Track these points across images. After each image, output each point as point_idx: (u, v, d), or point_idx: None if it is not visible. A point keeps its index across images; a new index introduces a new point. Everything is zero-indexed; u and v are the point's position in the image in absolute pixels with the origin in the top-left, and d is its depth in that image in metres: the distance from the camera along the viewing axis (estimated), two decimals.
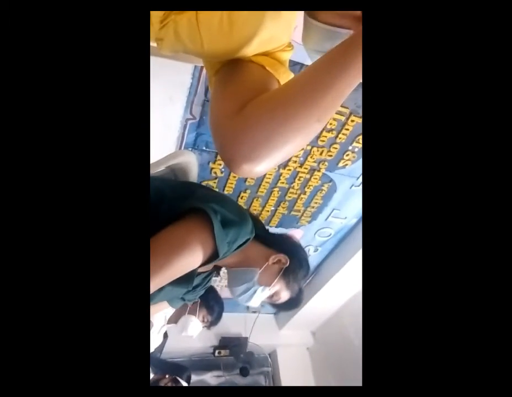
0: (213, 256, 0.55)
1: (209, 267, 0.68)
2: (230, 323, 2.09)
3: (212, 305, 1.35)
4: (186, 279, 0.57)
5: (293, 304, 0.77)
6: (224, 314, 1.50)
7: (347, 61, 0.32)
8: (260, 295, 0.70)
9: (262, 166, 0.33)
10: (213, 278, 0.80)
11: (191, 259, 0.53)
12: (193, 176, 0.75)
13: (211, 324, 1.38)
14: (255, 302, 0.72)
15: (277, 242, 0.75)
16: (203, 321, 1.34)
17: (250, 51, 0.42)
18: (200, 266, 0.56)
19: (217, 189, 1.40)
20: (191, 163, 0.70)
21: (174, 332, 1.35)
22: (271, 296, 0.73)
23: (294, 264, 0.72)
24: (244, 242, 0.59)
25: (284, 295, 0.74)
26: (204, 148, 1.25)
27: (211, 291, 1.36)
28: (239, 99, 0.37)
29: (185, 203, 0.55)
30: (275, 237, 0.77)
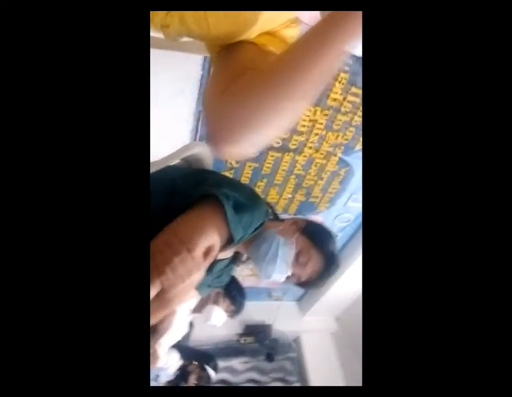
0: (229, 241, 0.55)
1: (228, 253, 0.69)
2: (254, 311, 2.12)
3: (234, 294, 1.37)
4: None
5: (329, 267, 0.70)
6: (247, 303, 1.52)
7: (328, 36, 0.30)
8: (284, 249, 0.66)
9: (242, 148, 0.32)
10: (235, 268, 0.81)
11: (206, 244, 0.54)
12: (208, 166, 0.76)
13: (234, 313, 1.40)
14: (282, 261, 0.66)
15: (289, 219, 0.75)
16: (226, 310, 1.37)
17: (255, 30, 0.41)
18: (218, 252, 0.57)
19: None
20: (205, 154, 0.71)
21: (199, 322, 1.39)
22: (298, 257, 0.68)
23: (312, 225, 0.71)
24: (259, 226, 0.60)
25: (314, 258, 0.68)
26: None
27: (233, 281, 1.39)
28: (228, 79, 0.35)
29: (197, 190, 0.56)
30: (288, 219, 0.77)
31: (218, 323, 1.33)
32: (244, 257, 0.76)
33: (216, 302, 1.34)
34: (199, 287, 0.74)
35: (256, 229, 0.59)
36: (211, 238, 0.52)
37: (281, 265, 0.67)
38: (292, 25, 0.47)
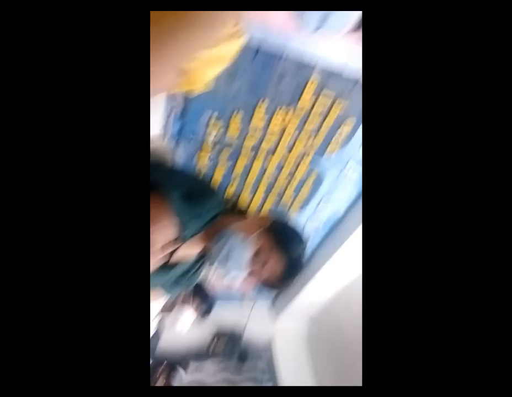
0: (181, 230, 0.55)
1: (194, 251, 0.68)
2: (226, 313, 2.10)
3: (204, 294, 1.36)
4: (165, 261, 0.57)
5: (292, 270, 0.68)
6: (219, 304, 1.50)
7: None
8: (241, 246, 0.62)
9: None
10: (206, 268, 0.78)
11: (153, 238, 0.52)
12: (167, 161, 0.75)
13: (205, 313, 1.38)
14: (238, 259, 0.63)
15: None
16: (196, 310, 1.35)
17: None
18: (177, 246, 0.56)
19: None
20: (164, 148, 0.70)
21: (169, 322, 1.37)
22: (258, 255, 0.64)
23: (279, 224, 0.68)
24: (215, 217, 0.59)
25: (275, 257, 0.65)
26: (191, 135, 1.25)
27: (203, 282, 1.37)
28: None
29: None
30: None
31: (185, 328, 1.31)
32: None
33: (185, 302, 1.32)
34: (165, 285, 0.72)
35: (212, 218, 0.58)
36: (154, 231, 0.51)
37: (234, 263, 0.63)
38: (236, 35, 0.48)
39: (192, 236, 0.58)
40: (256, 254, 0.65)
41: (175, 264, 0.65)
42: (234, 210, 0.73)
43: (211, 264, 0.65)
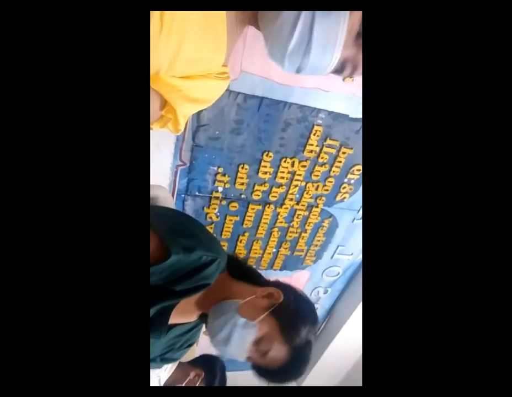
0: (166, 255, 0.49)
1: (189, 314, 0.61)
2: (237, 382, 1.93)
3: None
4: (157, 325, 0.51)
5: (294, 366, 0.58)
6: (231, 374, 1.37)
7: None
8: (242, 333, 0.55)
9: None
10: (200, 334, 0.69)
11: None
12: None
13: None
14: (236, 345, 0.55)
15: (271, 283, 0.63)
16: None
17: (174, 70, 0.42)
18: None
19: (214, 235, 1.37)
20: (162, 197, 0.69)
21: None
22: (259, 343, 0.56)
23: (290, 302, 0.58)
24: (210, 263, 0.53)
25: (278, 348, 0.56)
26: (197, 193, 1.25)
27: (218, 372, 1.24)
28: None
29: None
30: (269, 282, 0.65)
31: None
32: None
33: (189, 384, 1.19)
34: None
35: (206, 264, 0.53)
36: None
37: (234, 348, 0.55)
38: (219, 76, 0.49)
39: (186, 293, 0.51)
40: (258, 341, 0.56)
41: (161, 329, 0.56)
42: (234, 260, 0.67)
43: (209, 338, 0.58)
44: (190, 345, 0.65)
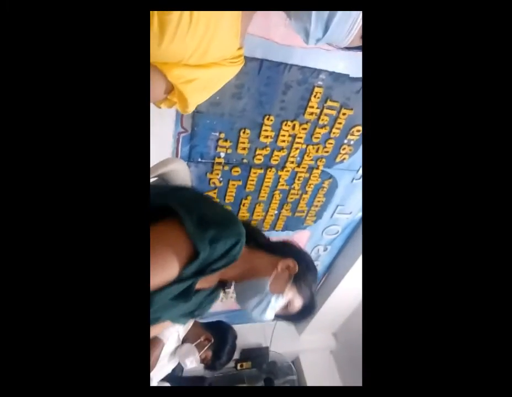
0: (194, 255, 0.53)
1: (212, 281, 0.66)
2: (249, 334, 2.07)
3: (220, 355, 1.30)
4: (183, 294, 0.55)
5: (308, 311, 0.74)
6: (241, 325, 1.46)
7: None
8: (275, 305, 0.67)
9: None
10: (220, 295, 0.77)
11: (167, 271, 0.51)
12: (186, 182, 0.75)
13: (209, 368, 1.34)
14: (269, 314, 0.69)
15: (280, 249, 0.73)
16: (202, 360, 1.29)
17: (191, 59, 0.43)
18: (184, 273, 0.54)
19: (217, 199, 1.40)
20: (181, 170, 0.70)
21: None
22: (286, 307, 0.70)
23: (302, 268, 0.70)
24: (235, 245, 0.57)
25: (298, 303, 0.70)
26: (199, 159, 1.26)
27: (229, 342, 1.33)
28: None
29: (159, 205, 0.54)
30: (278, 245, 0.75)
31: (186, 366, 1.26)
32: (230, 286, 0.74)
33: (198, 346, 1.27)
34: (175, 318, 0.70)
35: (231, 248, 0.56)
36: (170, 269, 0.49)
37: (267, 316, 0.68)
38: (235, 61, 0.49)
39: (214, 268, 0.55)
40: (286, 305, 0.69)
41: (188, 295, 0.62)
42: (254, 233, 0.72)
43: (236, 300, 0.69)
44: (210, 304, 0.72)
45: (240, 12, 0.43)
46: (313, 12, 0.43)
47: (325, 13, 0.42)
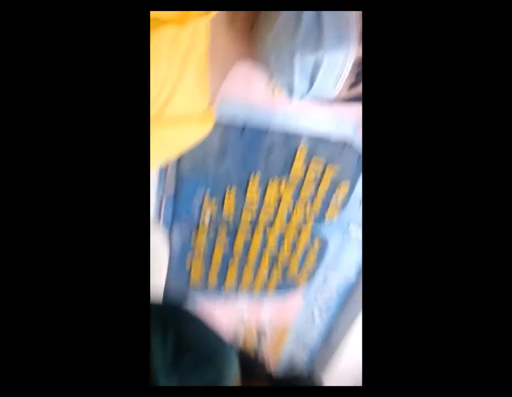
0: None
1: None
2: None
3: None
4: None
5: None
6: None
7: None
8: None
9: None
10: None
11: None
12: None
13: None
14: None
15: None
16: None
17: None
18: None
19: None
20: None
21: None
22: None
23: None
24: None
25: None
26: (183, 221, 1.22)
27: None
28: None
29: None
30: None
31: None
32: None
33: None
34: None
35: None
36: None
37: None
38: (205, 119, 0.47)
39: None
40: None
41: None
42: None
43: None
44: None
45: (206, 65, 0.42)
46: (296, 66, 0.41)
47: (310, 64, 0.40)
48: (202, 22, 0.38)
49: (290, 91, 0.45)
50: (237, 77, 1.01)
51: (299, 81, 0.42)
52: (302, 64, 0.40)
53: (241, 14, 0.42)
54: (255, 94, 1.05)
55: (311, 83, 0.43)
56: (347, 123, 1.18)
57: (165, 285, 1.35)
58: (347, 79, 0.42)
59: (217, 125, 1.07)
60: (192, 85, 0.42)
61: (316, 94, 0.45)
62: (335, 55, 0.39)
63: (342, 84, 0.43)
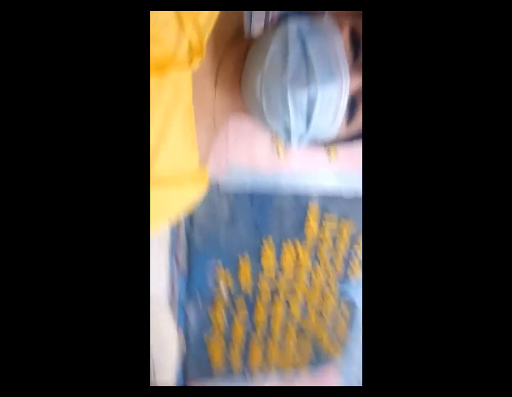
0: None
1: None
2: None
3: None
4: None
5: None
6: None
7: None
8: None
9: None
10: None
11: None
12: None
13: None
14: None
15: None
16: None
17: None
18: None
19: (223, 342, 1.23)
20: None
21: None
22: None
23: None
24: None
25: None
26: (198, 297, 1.16)
27: None
28: None
29: None
30: None
31: None
32: None
33: None
34: None
35: None
36: None
37: None
38: (197, 178, 0.45)
39: None
40: None
41: None
42: None
43: None
44: None
45: (192, 120, 0.41)
46: (290, 104, 0.39)
47: (304, 99, 0.38)
48: (184, 75, 0.38)
49: (287, 134, 0.42)
50: (239, 143, 1.04)
51: (296, 121, 0.40)
52: (295, 101, 0.38)
53: (228, 65, 0.43)
54: (259, 158, 1.07)
55: (308, 121, 0.40)
56: (355, 176, 1.16)
57: (181, 369, 1.23)
58: (345, 114, 0.40)
59: (225, 194, 1.09)
60: (178, 142, 0.40)
61: (315, 134, 0.42)
62: (329, 89, 0.38)
63: (340, 119, 0.41)
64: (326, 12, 0.41)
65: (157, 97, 0.36)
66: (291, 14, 0.41)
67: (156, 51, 0.35)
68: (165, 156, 0.39)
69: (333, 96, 0.38)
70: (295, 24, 0.39)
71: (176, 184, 0.42)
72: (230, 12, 0.42)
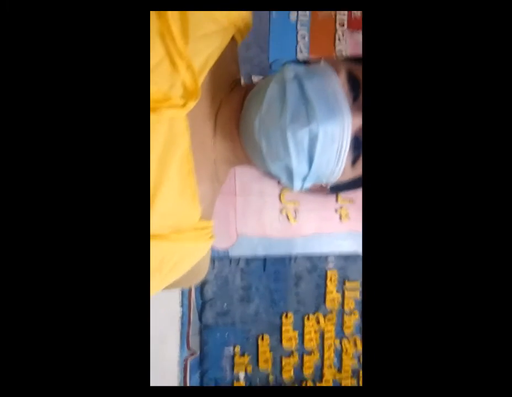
0: None
1: None
2: None
3: None
4: None
5: None
6: None
7: None
8: None
9: None
10: None
11: None
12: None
13: None
14: None
15: None
16: None
17: None
18: None
19: None
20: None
21: None
22: None
23: None
24: None
25: None
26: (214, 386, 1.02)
27: None
28: None
29: None
30: None
31: None
32: None
33: None
34: None
35: None
36: None
37: None
38: (201, 233, 0.43)
39: None
40: None
41: None
42: None
43: None
44: None
45: (191, 165, 0.39)
46: (290, 144, 0.37)
47: (305, 138, 0.37)
48: (179, 114, 0.36)
49: (289, 176, 0.40)
50: (250, 214, 1.03)
51: (297, 161, 0.38)
52: (296, 140, 0.37)
53: (226, 111, 0.42)
54: (270, 227, 1.04)
55: (310, 160, 0.38)
56: None
57: None
58: (348, 155, 0.38)
59: (236, 264, 1.03)
60: (175, 194, 0.37)
61: (318, 175, 0.40)
62: (331, 127, 0.36)
63: (344, 159, 0.38)
64: (322, 59, 0.42)
65: (152, 137, 0.34)
66: (287, 62, 0.43)
67: (151, 90, 0.34)
68: (161, 211, 0.36)
69: (335, 132, 0.37)
70: (292, 70, 0.40)
71: (179, 241, 0.39)
72: (226, 59, 0.43)
